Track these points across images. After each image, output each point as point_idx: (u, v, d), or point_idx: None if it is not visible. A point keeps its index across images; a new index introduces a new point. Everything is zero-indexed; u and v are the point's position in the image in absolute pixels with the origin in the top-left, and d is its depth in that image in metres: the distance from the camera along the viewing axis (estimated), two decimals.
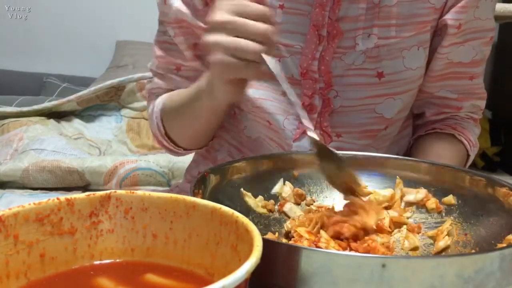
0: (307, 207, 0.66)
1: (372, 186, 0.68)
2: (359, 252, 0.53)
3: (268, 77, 0.67)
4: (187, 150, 0.93)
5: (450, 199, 0.63)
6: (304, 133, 0.84)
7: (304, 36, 0.82)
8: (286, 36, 0.83)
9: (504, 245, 0.53)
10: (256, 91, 0.85)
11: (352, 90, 0.84)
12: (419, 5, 0.82)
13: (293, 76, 0.84)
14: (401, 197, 0.65)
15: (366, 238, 0.56)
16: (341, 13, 0.81)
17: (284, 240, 0.61)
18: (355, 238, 0.56)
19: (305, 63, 0.82)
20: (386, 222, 0.60)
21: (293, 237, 0.58)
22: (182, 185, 1.02)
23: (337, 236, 0.56)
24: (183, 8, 0.85)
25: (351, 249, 0.54)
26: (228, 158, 0.93)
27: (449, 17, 0.83)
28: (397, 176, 0.66)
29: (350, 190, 0.63)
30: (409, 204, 0.65)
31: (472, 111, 0.94)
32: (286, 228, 0.62)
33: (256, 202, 0.64)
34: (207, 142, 0.93)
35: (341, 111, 0.84)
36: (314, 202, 0.67)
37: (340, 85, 0.83)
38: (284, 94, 0.83)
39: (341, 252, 0.52)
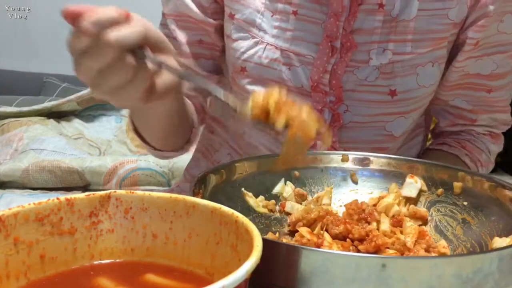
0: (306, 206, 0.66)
1: (372, 186, 0.68)
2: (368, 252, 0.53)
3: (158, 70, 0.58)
4: (165, 151, 0.85)
5: (458, 185, 0.63)
6: (312, 147, 0.81)
7: (316, 45, 0.79)
8: (298, 44, 0.80)
9: (504, 245, 0.53)
10: None
11: (363, 106, 0.81)
12: (437, 20, 0.79)
13: (303, 87, 0.81)
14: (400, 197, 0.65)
15: (371, 236, 0.56)
16: (356, 25, 0.78)
17: (286, 237, 0.61)
18: (361, 239, 0.56)
19: (316, 76, 0.80)
20: (385, 226, 0.60)
21: (297, 231, 0.58)
22: (182, 184, 1.02)
23: (343, 235, 0.56)
24: (189, 2, 0.83)
25: (358, 251, 0.54)
26: (228, 158, 0.92)
27: (468, 35, 0.80)
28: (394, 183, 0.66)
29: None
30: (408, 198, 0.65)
31: (491, 124, 0.90)
32: (289, 220, 0.62)
33: (257, 202, 0.64)
34: (180, 144, 0.85)
35: (350, 127, 0.82)
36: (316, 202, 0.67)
37: (351, 100, 0.81)
38: None
39: (340, 252, 0.52)
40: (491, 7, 0.78)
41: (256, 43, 0.82)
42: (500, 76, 0.85)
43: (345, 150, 0.78)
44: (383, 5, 0.77)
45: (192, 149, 0.93)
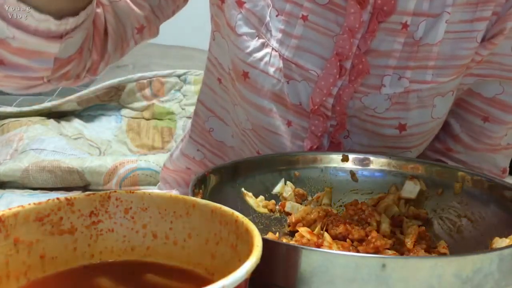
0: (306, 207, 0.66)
1: (372, 186, 0.68)
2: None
3: None
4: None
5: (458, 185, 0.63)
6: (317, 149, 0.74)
7: (323, 61, 0.68)
8: (302, 55, 0.69)
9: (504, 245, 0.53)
10: (261, 116, 0.74)
11: (366, 136, 0.73)
12: (464, 44, 0.68)
13: (301, 105, 0.71)
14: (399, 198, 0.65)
15: (370, 238, 0.56)
16: (373, 45, 0.67)
17: (286, 237, 0.61)
18: (361, 240, 0.56)
19: (318, 98, 0.69)
20: (385, 227, 0.60)
21: (297, 231, 0.58)
22: (167, 175, 0.97)
23: (343, 236, 0.56)
24: None
25: (358, 251, 0.54)
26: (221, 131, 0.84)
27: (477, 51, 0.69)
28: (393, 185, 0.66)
29: None
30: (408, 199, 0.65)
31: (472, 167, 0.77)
32: (289, 220, 0.62)
33: (257, 202, 0.64)
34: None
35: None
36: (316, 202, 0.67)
37: (354, 127, 0.72)
38: (289, 123, 0.72)
39: (340, 252, 0.52)
40: (509, 24, 0.67)
41: (263, 45, 0.71)
42: (503, 106, 0.73)
43: None
44: (407, 26, 0.66)
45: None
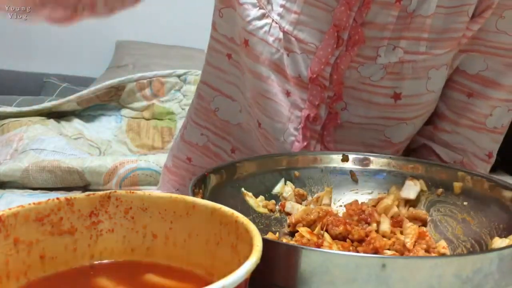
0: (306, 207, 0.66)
1: (372, 186, 0.68)
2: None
3: None
4: None
5: (458, 185, 0.63)
6: (305, 147, 0.77)
7: (321, 34, 0.72)
8: (302, 29, 0.73)
9: (504, 245, 0.53)
10: (261, 84, 0.77)
11: (363, 106, 0.75)
12: (456, 18, 0.71)
13: (300, 77, 0.75)
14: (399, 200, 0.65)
15: (369, 238, 0.56)
16: (369, 17, 0.71)
17: (286, 237, 0.61)
18: (361, 240, 0.56)
19: (317, 67, 0.73)
20: (385, 227, 0.60)
21: (297, 231, 0.58)
22: (166, 176, 0.98)
23: (343, 236, 0.56)
24: None
25: (357, 252, 0.54)
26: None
27: (467, 26, 0.72)
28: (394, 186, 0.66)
29: None
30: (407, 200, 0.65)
31: (455, 146, 0.79)
32: (288, 221, 0.62)
33: (257, 202, 0.64)
34: None
35: (347, 127, 0.77)
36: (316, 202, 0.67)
37: (351, 99, 0.75)
38: (288, 94, 0.76)
39: (340, 252, 0.52)
40: None
41: (263, 16, 0.75)
42: (486, 82, 0.76)
43: (340, 151, 0.75)
44: (400, 0, 0.70)
45: None
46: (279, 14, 0.74)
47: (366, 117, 0.76)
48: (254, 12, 0.75)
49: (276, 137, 0.79)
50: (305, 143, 0.77)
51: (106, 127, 1.92)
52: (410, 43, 0.71)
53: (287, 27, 0.74)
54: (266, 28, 0.74)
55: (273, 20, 0.74)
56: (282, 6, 0.74)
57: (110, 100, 1.95)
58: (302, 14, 0.73)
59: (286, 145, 0.78)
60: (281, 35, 0.74)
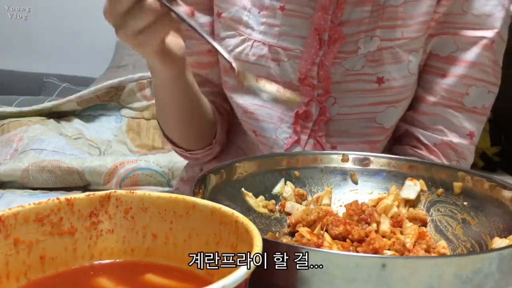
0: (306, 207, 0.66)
1: (372, 186, 0.68)
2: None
3: (178, 24, 0.65)
4: (189, 151, 0.89)
5: (458, 185, 0.63)
6: (296, 142, 0.82)
7: (304, 40, 0.79)
8: (285, 39, 0.80)
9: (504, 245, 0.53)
10: (253, 98, 0.83)
11: (350, 96, 0.80)
12: (425, 2, 0.78)
13: (291, 82, 0.81)
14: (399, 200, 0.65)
15: (369, 239, 0.55)
16: (344, 17, 0.78)
17: (286, 237, 0.61)
18: (361, 240, 0.56)
19: (304, 68, 0.79)
20: (385, 227, 0.60)
21: (297, 231, 0.58)
22: (182, 187, 1.01)
23: (343, 236, 0.56)
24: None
25: (357, 252, 0.54)
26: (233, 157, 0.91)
27: (435, 9, 0.78)
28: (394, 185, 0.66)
29: None
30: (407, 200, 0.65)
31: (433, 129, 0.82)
32: (288, 221, 0.62)
33: (257, 202, 0.64)
34: (204, 142, 0.88)
35: (338, 119, 0.81)
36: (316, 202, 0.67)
37: (338, 92, 0.80)
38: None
39: (340, 252, 0.52)
40: None
41: (243, 41, 0.82)
42: (457, 61, 0.80)
43: (332, 146, 0.81)
44: None
45: (218, 150, 0.92)
46: (261, 32, 0.81)
47: (355, 106, 0.80)
48: (235, 41, 0.82)
49: (269, 136, 0.83)
50: (296, 138, 0.82)
51: (106, 127, 1.92)
52: (386, 31, 0.78)
53: (271, 40, 0.80)
54: (247, 50, 0.82)
55: (254, 40, 0.81)
56: (263, 23, 0.81)
57: (110, 100, 1.95)
58: (283, 25, 0.79)
59: (279, 141, 0.83)
60: (265, 50, 0.81)
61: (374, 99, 0.80)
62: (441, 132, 0.83)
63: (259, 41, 0.81)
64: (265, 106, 0.83)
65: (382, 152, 0.85)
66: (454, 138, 0.82)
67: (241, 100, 0.84)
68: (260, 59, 0.81)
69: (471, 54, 0.80)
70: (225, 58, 0.62)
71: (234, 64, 0.62)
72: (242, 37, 0.82)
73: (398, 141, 0.88)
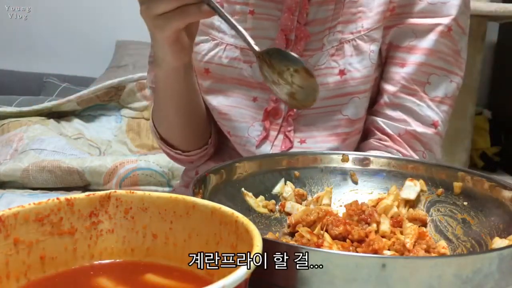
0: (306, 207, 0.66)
1: (372, 186, 0.68)
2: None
3: (212, 14, 0.66)
4: (186, 152, 0.90)
5: (458, 185, 0.63)
6: (265, 138, 0.85)
7: (272, 41, 0.82)
8: (256, 42, 0.79)
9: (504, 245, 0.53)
10: (226, 99, 0.85)
11: None
12: None
13: (263, 82, 0.80)
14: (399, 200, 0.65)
15: (369, 240, 0.55)
16: (310, 16, 0.81)
17: (286, 237, 0.61)
18: (361, 240, 0.56)
19: None
20: (385, 227, 0.60)
21: (297, 231, 0.58)
22: (178, 189, 1.01)
23: (343, 236, 0.56)
24: None
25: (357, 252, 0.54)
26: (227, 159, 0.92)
27: None
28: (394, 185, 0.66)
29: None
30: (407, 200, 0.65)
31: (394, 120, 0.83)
32: (288, 221, 0.62)
33: (257, 202, 0.64)
34: (199, 139, 0.90)
35: (305, 114, 0.83)
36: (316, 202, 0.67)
37: None
38: (254, 99, 0.84)
39: (340, 252, 0.52)
40: None
41: (217, 45, 0.85)
42: (415, 49, 0.82)
43: (300, 141, 0.83)
44: None
45: (212, 151, 0.94)
46: (233, 36, 0.84)
47: (321, 99, 0.81)
48: (208, 45, 0.85)
49: (242, 135, 0.86)
50: (265, 134, 0.84)
51: (106, 127, 1.92)
52: (346, 25, 0.81)
53: (243, 43, 0.80)
54: (220, 53, 0.85)
55: (227, 44, 0.84)
56: None
57: (110, 100, 1.95)
58: (253, 28, 0.83)
59: (250, 139, 0.85)
60: (237, 53, 0.84)
61: (337, 91, 0.82)
62: (405, 122, 0.83)
63: (231, 45, 0.84)
64: (238, 107, 0.85)
65: (356, 150, 0.86)
66: (417, 128, 0.83)
67: (215, 102, 0.86)
68: (232, 61, 0.84)
69: (428, 42, 0.81)
70: (254, 50, 0.65)
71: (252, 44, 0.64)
72: (215, 41, 0.85)
73: (365, 137, 0.88)
